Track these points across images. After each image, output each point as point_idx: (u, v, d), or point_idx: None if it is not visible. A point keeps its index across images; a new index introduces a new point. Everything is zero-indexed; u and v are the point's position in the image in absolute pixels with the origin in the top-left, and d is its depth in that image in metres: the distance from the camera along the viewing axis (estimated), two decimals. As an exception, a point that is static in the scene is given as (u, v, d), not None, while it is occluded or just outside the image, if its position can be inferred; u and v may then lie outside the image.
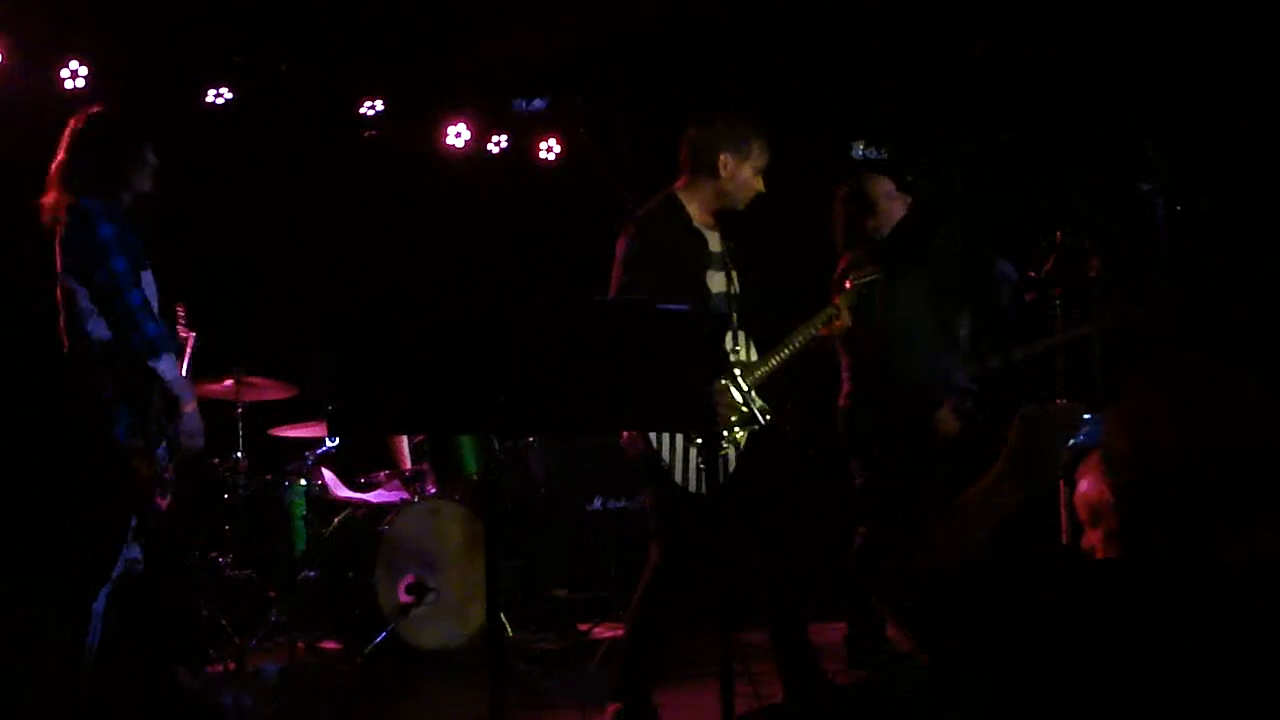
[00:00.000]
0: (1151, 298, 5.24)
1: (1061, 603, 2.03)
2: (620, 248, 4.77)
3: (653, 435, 4.63)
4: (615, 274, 4.76)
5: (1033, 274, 5.39)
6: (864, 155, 5.11)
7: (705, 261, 4.82)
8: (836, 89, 7.56)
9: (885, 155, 5.09)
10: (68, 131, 4.72)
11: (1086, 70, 6.92)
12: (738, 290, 4.90)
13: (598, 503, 7.54)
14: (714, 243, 4.88)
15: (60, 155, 4.69)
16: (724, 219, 4.96)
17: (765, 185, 4.92)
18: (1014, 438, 2.25)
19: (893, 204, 5.86)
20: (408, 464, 7.09)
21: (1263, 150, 6.48)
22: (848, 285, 5.13)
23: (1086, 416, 2.29)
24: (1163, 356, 2.14)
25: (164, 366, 4.55)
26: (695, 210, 4.87)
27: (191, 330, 5.89)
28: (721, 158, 4.83)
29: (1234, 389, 2.07)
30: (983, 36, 7.12)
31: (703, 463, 4.60)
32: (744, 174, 4.86)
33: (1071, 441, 2.27)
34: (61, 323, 4.63)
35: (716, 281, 4.84)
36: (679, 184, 4.92)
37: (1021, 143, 6.93)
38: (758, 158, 4.88)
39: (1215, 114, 6.58)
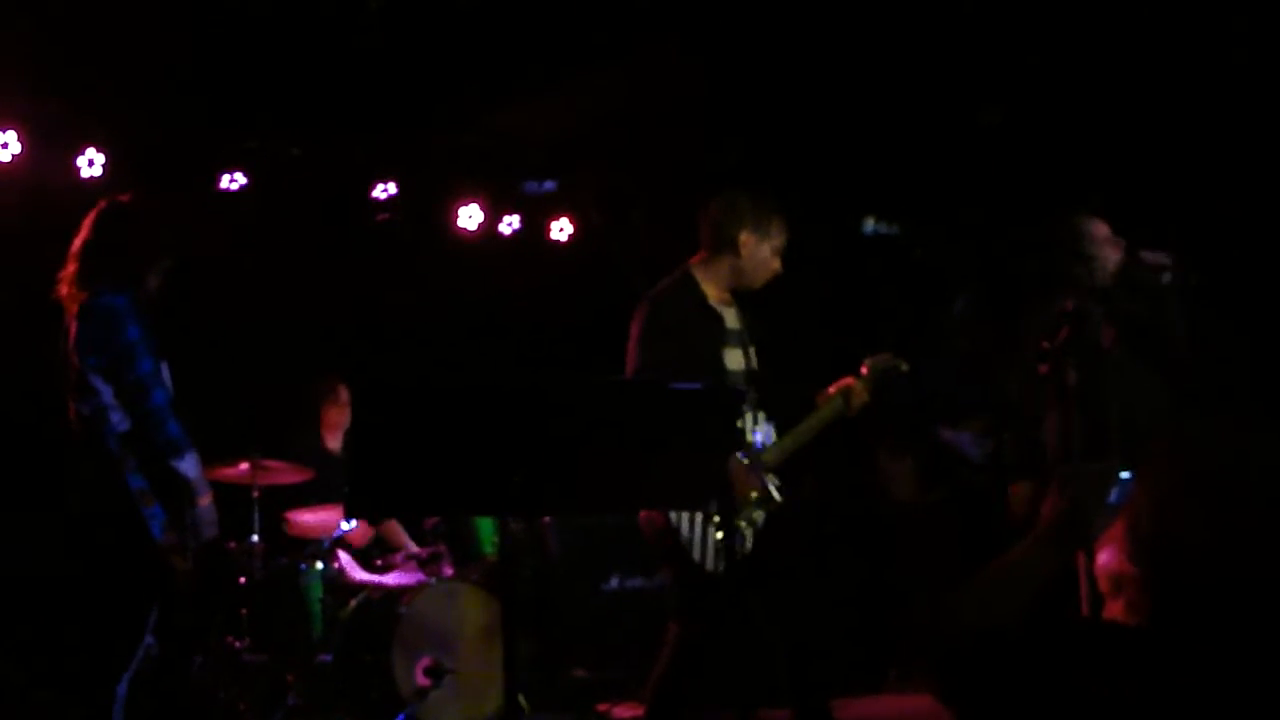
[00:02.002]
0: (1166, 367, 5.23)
1: (1091, 675, 2.02)
2: (634, 327, 4.77)
3: (671, 513, 4.61)
4: (630, 353, 4.76)
5: (1046, 344, 5.37)
6: (875, 230, 5.11)
7: (721, 339, 4.81)
8: (847, 164, 7.62)
9: (896, 230, 5.10)
10: (95, 214, 4.74)
11: (1094, 136, 6.97)
12: (755, 367, 4.89)
13: (614, 582, 7.52)
14: (730, 319, 4.87)
15: (84, 235, 4.70)
16: (741, 296, 4.96)
17: (783, 265, 4.93)
18: (1053, 499, 2.25)
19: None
20: (407, 544, 7.08)
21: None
22: (863, 370, 5.05)
23: (1124, 475, 2.29)
24: (1181, 427, 2.13)
25: (186, 465, 4.55)
26: (711, 288, 4.86)
27: None
28: (742, 236, 4.83)
29: (1253, 458, 2.06)
30: (989, 103, 7.17)
31: (719, 541, 4.58)
32: (763, 253, 4.86)
33: (1108, 501, 2.27)
34: (74, 413, 4.63)
35: (733, 359, 4.82)
36: (695, 260, 4.92)
37: (1030, 209, 6.96)
38: (776, 237, 4.88)
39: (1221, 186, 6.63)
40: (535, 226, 8.71)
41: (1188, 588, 2.04)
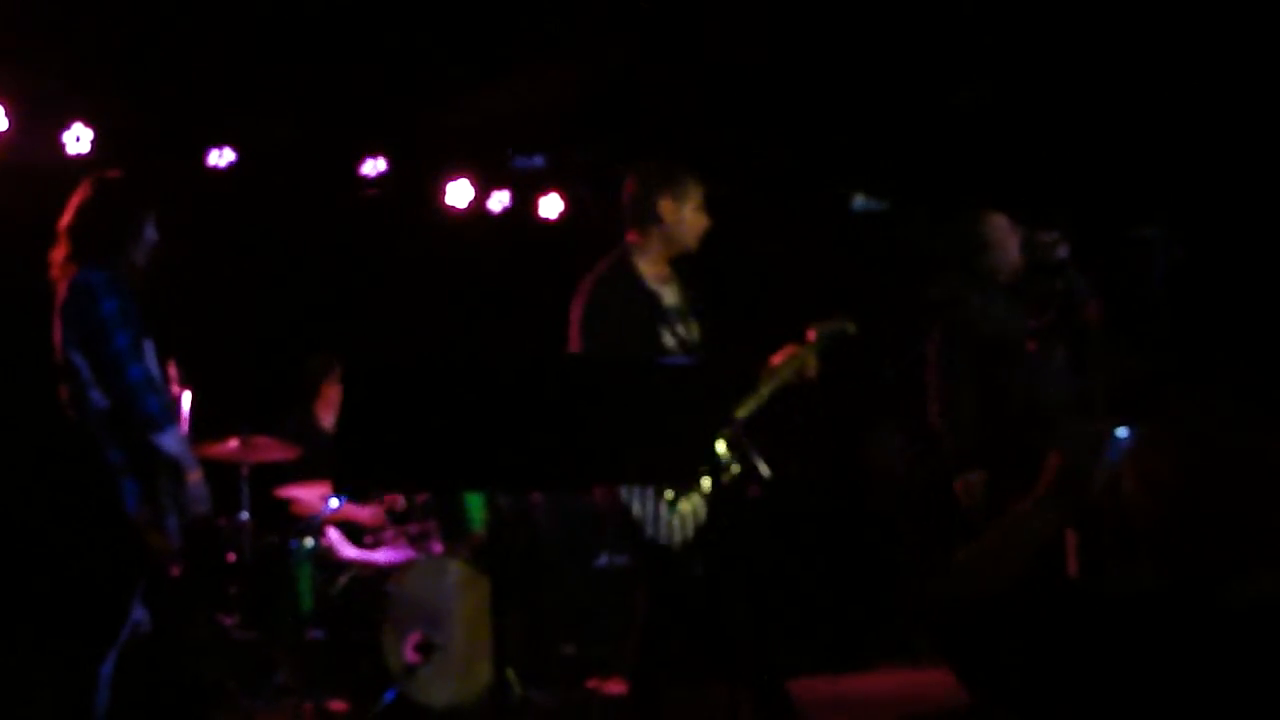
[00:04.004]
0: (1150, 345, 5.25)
1: (1088, 636, 2.04)
2: (574, 309, 4.82)
3: (623, 490, 4.63)
4: (571, 335, 4.81)
5: (1033, 321, 5.39)
6: (863, 206, 5.12)
7: (658, 317, 4.85)
8: (835, 141, 7.61)
9: (884, 205, 5.10)
10: (79, 193, 4.75)
11: (1082, 113, 6.97)
12: (697, 341, 4.92)
13: (604, 559, 7.53)
14: (669, 296, 4.91)
15: (71, 213, 4.71)
16: (680, 265, 4.99)
17: (707, 218, 4.96)
18: (1053, 461, 2.27)
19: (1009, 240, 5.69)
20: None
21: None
22: (809, 336, 5.09)
23: (1121, 433, 2.29)
24: (1169, 400, 2.15)
25: (166, 440, 4.54)
26: (647, 265, 4.91)
27: (185, 388, 5.87)
28: (661, 204, 4.89)
29: (1235, 431, 2.08)
30: (968, 82, 7.18)
31: (669, 514, 4.61)
32: (686, 214, 4.91)
33: (1108, 458, 2.28)
34: (64, 392, 4.64)
35: (669, 338, 4.86)
36: (629, 239, 4.96)
37: (1017, 187, 6.96)
38: (695, 194, 4.93)
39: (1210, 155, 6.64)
40: (525, 202, 8.70)
41: (1168, 545, 2.05)
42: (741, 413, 4.88)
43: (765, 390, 4.95)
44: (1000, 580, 2.06)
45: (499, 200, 8.61)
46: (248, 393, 7.10)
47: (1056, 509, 2.15)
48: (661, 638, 4.73)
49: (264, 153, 7.68)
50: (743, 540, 4.84)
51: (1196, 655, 2.02)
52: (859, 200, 5.01)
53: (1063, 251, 5.37)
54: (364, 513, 6.84)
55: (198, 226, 6.97)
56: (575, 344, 4.79)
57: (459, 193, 8.44)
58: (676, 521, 4.64)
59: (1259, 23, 6.42)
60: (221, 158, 7.58)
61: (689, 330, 4.92)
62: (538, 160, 8.23)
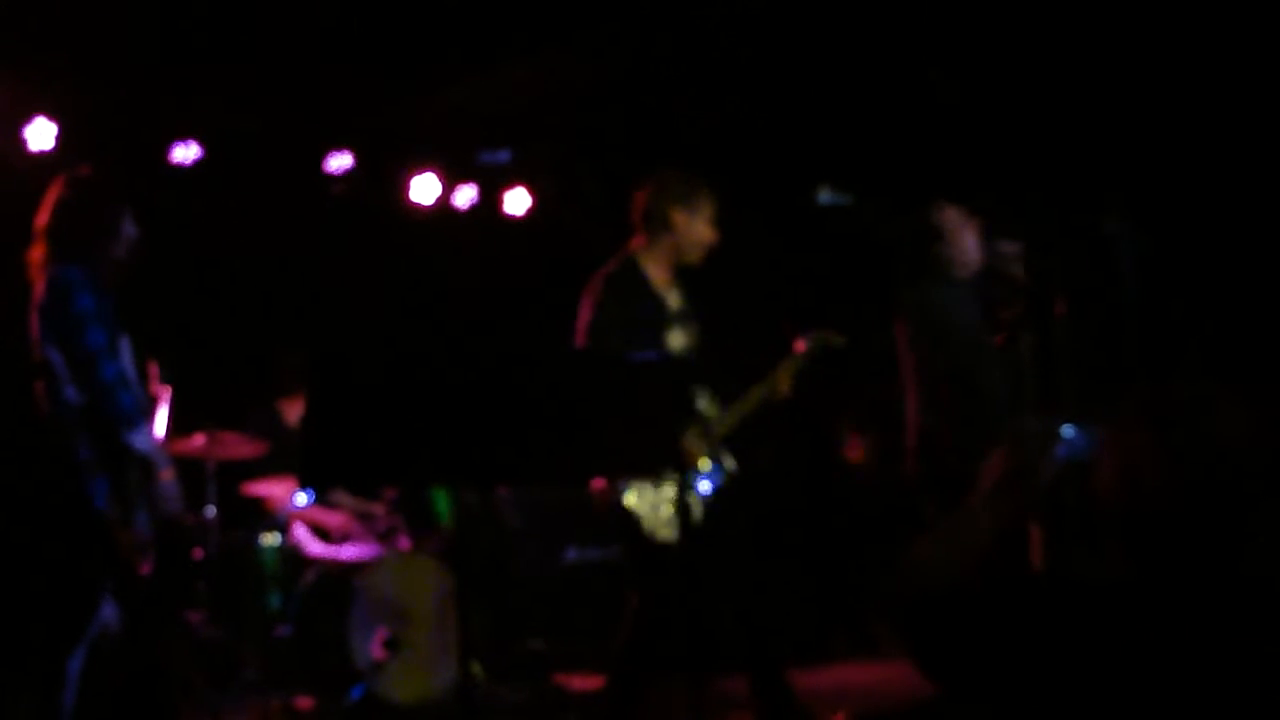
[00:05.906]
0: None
1: (1051, 627, 2.04)
2: (582, 307, 4.84)
3: (620, 484, 4.66)
4: (578, 331, 4.83)
5: (1004, 315, 5.41)
6: (830, 200, 5.12)
7: (664, 321, 4.93)
8: (800, 134, 7.62)
9: (851, 199, 5.11)
10: (53, 191, 4.73)
11: (1049, 106, 7.01)
12: (698, 347, 4.98)
13: (572, 553, 7.53)
14: (673, 300, 4.98)
15: (45, 214, 4.69)
16: (685, 274, 5.04)
17: (717, 232, 5.01)
18: (1002, 456, 2.28)
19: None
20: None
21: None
22: (798, 347, 5.10)
23: (1067, 430, 2.31)
24: (1146, 386, 2.15)
25: (138, 439, 4.53)
26: (654, 269, 4.99)
27: (167, 385, 5.86)
28: (674, 214, 4.95)
29: (1217, 417, 2.08)
30: (938, 68, 7.20)
31: (673, 510, 4.63)
32: (697, 226, 4.98)
33: (1056, 455, 2.29)
34: (38, 388, 4.62)
35: (676, 339, 4.92)
36: (636, 243, 5.02)
37: (984, 180, 6.99)
38: (708, 208, 5.00)
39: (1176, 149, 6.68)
40: (491, 198, 8.69)
41: (1149, 536, 2.05)
42: (721, 429, 4.93)
43: (750, 401, 4.98)
44: (954, 575, 2.07)
45: (465, 195, 8.60)
46: (213, 388, 7.07)
47: (1003, 505, 2.16)
48: (647, 634, 4.76)
49: (229, 148, 7.65)
50: (740, 535, 4.89)
51: (1165, 645, 2.03)
52: (825, 194, 5.02)
53: (1018, 268, 5.37)
54: (333, 518, 6.83)
55: (162, 221, 6.93)
56: (580, 338, 4.85)
57: (425, 188, 8.43)
58: (678, 517, 4.69)
59: (1225, 15, 6.46)
60: (186, 153, 7.55)
61: (691, 335, 4.99)
62: (504, 155, 8.22)
